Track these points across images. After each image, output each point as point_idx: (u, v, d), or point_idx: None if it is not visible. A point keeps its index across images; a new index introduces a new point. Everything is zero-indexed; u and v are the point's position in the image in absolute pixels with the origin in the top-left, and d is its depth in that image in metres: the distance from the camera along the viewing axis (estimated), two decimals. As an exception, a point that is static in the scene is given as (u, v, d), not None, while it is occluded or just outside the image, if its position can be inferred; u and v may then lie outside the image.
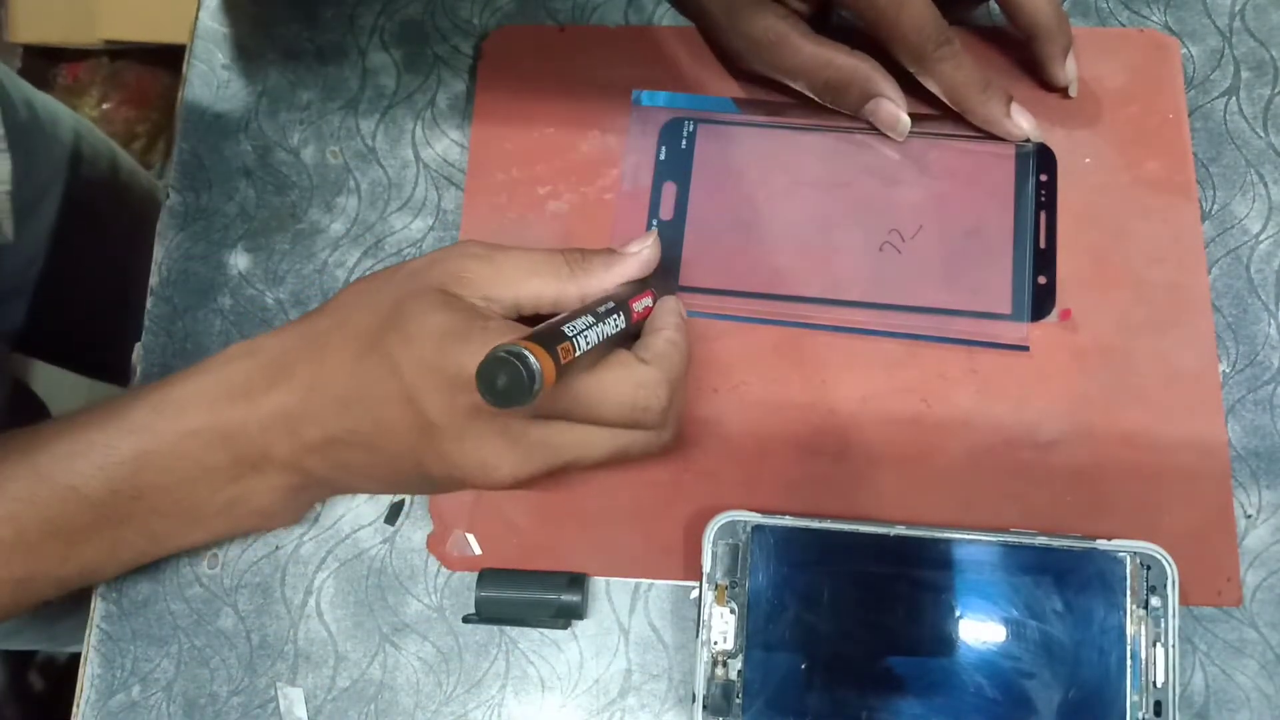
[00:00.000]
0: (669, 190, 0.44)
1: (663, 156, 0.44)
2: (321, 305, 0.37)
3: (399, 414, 0.33)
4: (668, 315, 0.37)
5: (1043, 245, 0.42)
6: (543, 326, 0.32)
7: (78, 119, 0.65)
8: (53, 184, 0.60)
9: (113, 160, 0.68)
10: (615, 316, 0.35)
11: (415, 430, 0.33)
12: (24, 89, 0.59)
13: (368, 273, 0.44)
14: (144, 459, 0.35)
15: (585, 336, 0.32)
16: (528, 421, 0.33)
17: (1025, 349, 0.41)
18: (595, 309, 0.34)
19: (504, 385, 0.28)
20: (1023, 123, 0.41)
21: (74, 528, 0.35)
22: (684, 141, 0.44)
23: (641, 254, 0.38)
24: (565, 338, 0.31)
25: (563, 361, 0.30)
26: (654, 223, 0.43)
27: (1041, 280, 0.41)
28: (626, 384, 0.33)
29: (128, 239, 0.66)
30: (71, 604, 0.44)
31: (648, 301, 0.38)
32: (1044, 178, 0.42)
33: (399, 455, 0.34)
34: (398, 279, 0.36)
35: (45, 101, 0.61)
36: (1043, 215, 0.42)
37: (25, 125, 0.57)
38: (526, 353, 0.28)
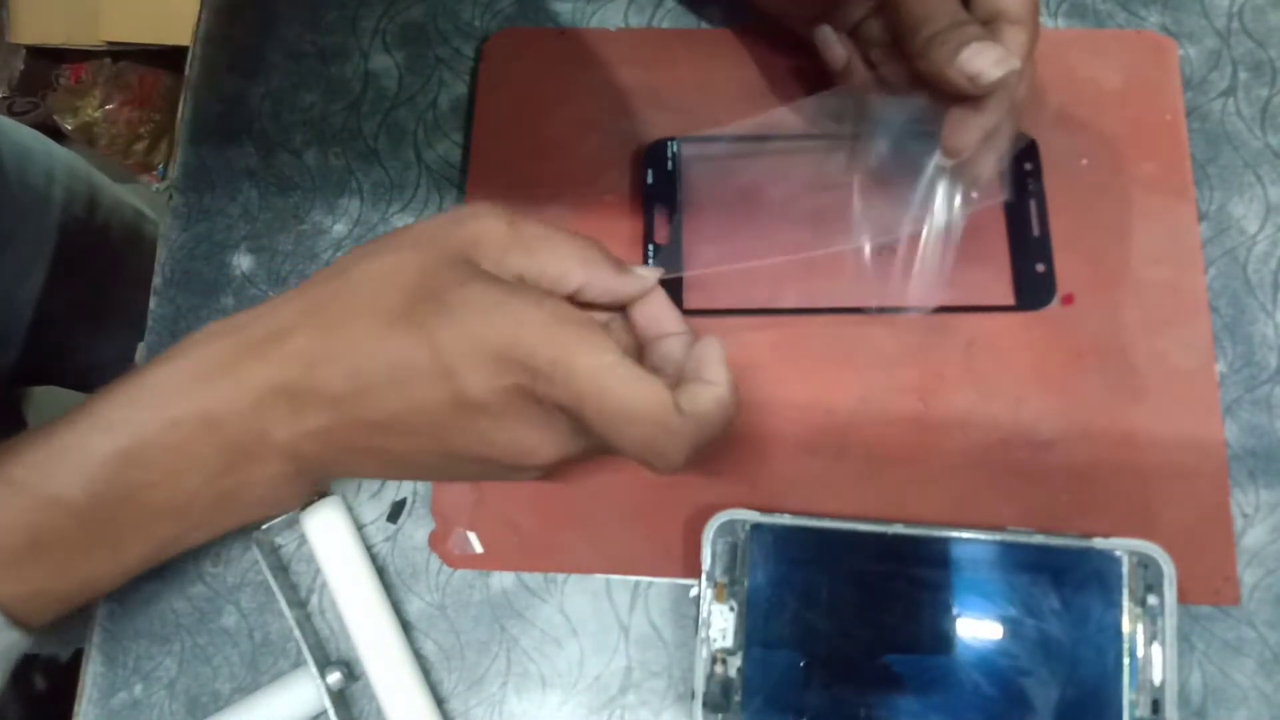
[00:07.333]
0: (661, 215, 0.43)
1: (650, 180, 0.43)
2: (314, 275, 0.34)
3: (432, 390, 0.31)
4: (717, 367, 0.34)
5: (1036, 234, 0.42)
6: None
7: (52, 156, 0.62)
8: (17, 232, 0.58)
9: (90, 199, 0.65)
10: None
11: (450, 408, 0.31)
12: None
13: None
14: (125, 457, 0.31)
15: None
16: (560, 411, 0.32)
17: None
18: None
19: None
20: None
21: (62, 540, 0.32)
22: (669, 163, 0.44)
23: (649, 279, 0.36)
24: None
25: None
26: (650, 248, 0.43)
27: (1040, 268, 0.41)
28: (651, 425, 0.31)
29: (111, 275, 0.65)
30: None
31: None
32: (1029, 166, 0.42)
33: (422, 435, 0.32)
34: (409, 244, 0.33)
35: (16, 143, 0.59)
36: (1033, 204, 0.42)
37: None
38: None
